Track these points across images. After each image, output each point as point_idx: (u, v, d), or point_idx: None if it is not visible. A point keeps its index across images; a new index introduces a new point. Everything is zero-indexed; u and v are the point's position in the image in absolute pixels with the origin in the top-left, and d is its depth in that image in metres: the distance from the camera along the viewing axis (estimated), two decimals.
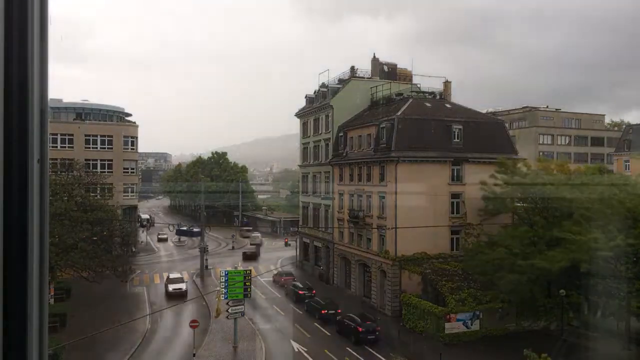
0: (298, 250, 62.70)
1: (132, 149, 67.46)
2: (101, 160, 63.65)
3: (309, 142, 59.99)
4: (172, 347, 33.92)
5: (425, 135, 43.41)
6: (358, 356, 32.14)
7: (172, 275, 49.37)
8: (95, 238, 38.19)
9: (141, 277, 53.99)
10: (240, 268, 40.16)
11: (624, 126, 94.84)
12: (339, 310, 38.81)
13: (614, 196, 35.10)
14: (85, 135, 63.64)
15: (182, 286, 46.66)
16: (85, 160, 57.84)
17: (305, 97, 63.25)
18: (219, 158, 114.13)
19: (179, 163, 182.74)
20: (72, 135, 62.63)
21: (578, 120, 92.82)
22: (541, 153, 76.79)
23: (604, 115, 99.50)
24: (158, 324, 38.67)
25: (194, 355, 30.23)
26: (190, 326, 32.02)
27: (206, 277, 54.02)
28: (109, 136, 64.94)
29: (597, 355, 32.78)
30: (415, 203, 41.28)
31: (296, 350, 33.22)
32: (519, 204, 40.37)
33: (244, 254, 65.43)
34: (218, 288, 35.91)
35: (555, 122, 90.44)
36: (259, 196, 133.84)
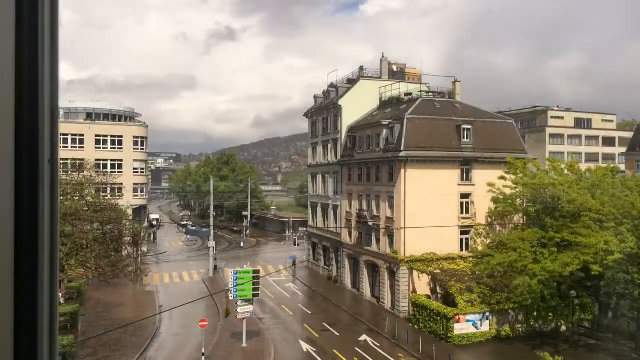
0: (307, 250, 62.73)
1: (141, 149, 67.87)
2: (111, 160, 64.09)
3: (317, 142, 60.00)
4: (181, 347, 34.05)
5: (435, 135, 43.24)
6: None
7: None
8: (105, 237, 38.40)
9: (151, 276, 54.27)
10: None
11: (635, 126, 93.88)
12: None
13: (625, 197, 34.78)
14: (96, 136, 64.13)
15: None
16: (96, 160, 58.25)
17: (314, 97, 63.31)
18: (228, 158, 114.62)
19: (188, 163, 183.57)
20: (82, 135, 63.14)
21: (589, 120, 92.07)
22: (550, 153, 76.19)
23: (615, 114, 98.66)
24: (167, 323, 38.86)
25: (203, 354, 30.32)
26: (200, 326, 32.13)
27: (215, 277, 54.22)
28: (119, 136, 65.39)
29: (608, 356, 32.48)
30: (424, 203, 41.12)
31: None
32: (529, 205, 40.11)
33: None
34: (227, 288, 36.00)
35: (566, 121, 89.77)
36: (268, 196, 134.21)
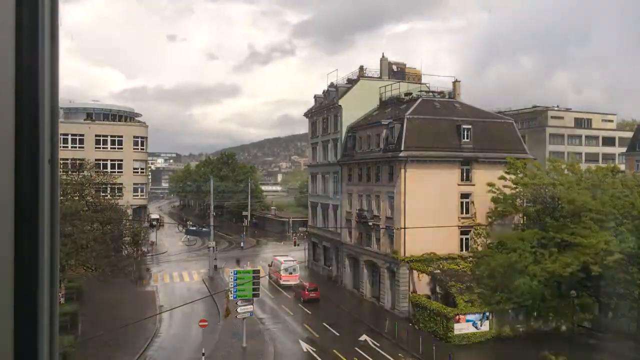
0: (307, 250, 62.76)
1: (141, 149, 67.90)
2: (111, 160, 64.11)
3: (317, 142, 60.01)
4: (181, 347, 34.05)
5: (435, 135, 43.25)
6: None
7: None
8: (105, 237, 38.43)
9: (151, 276, 54.30)
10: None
11: (635, 126, 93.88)
12: None
13: (625, 197, 34.79)
14: (96, 136, 64.16)
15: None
16: (96, 160, 58.27)
17: (314, 97, 63.31)
18: (228, 158, 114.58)
19: (188, 163, 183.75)
20: (82, 135, 63.16)
21: (589, 120, 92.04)
22: (550, 153, 76.18)
23: (615, 114, 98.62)
24: (167, 323, 38.87)
25: (203, 354, 30.32)
26: (200, 325, 32.14)
27: (215, 277, 54.25)
28: (119, 136, 65.42)
29: (608, 356, 32.48)
30: (424, 203, 41.11)
31: None
32: (529, 205, 40.12)
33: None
34: (227, 288, 36.00)
35: (565, 121, 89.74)
36: (268, 196, 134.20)
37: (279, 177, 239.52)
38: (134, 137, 66.52)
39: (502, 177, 39.10)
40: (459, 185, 43.18)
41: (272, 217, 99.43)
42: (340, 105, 53.48)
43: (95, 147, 63.54)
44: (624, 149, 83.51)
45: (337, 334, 36.45)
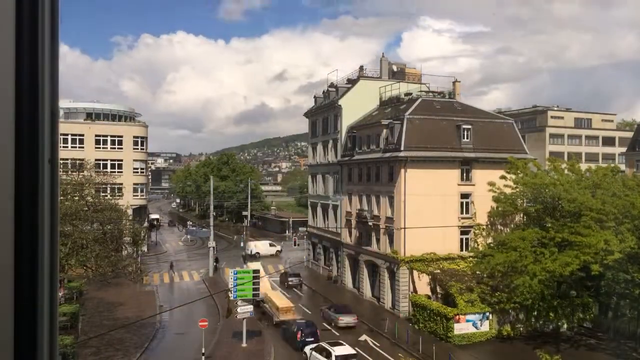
0: (308, 250, 62.77)
1: (141, 149, 67.89)
2: (111, 160, 64.10)
3: (317, 142, 60.00)
4: (181, 347, 34.05)
5: (434, 135, 43.24)
6: None
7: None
8: (105, 237, 38.37)
9: (151, 276, 54.27)
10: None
11: (635, 126, 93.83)
12: None
13: (625, 197, 34.80)
14: (96, 136, 64.14)
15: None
16: (96, 160, 58.25)
17: (314, 97, 63.32)
18: (228, 158, 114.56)
19: (188, 163, 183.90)
20: (82, 135, 63.15)
21: (589, 120, 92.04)
22: (550, 153, 76.14)
23: (615, 114, 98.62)
24: (167, 323, 38.86)
25: (203, 354, 30.32)
26: (200, 326, 32.12)
27: (215, 277, 54.24)
28: (119, 136, 65.41)
29: (608, 356, 32.49)
30: (424, 203, 41.12)
31: None
32: (529, 205, 40.12)
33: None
34: (228, 287, 36.01)
35: (565, 121, 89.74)
36: (268, 196, 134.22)
37: (279, 177, 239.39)
38: (134, 137, 66.51)
39: (502, 177, 39.12)
40: (459, 185, 43.18)
41: (272, 217, 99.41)
42: (340, 105, 53.47)
43: (95, 147, 63.53)
44: (624, 149, 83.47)
45: (337, 334, 36.43)
